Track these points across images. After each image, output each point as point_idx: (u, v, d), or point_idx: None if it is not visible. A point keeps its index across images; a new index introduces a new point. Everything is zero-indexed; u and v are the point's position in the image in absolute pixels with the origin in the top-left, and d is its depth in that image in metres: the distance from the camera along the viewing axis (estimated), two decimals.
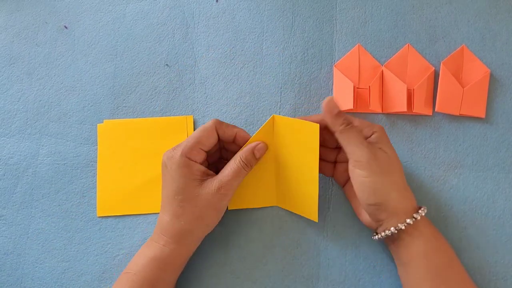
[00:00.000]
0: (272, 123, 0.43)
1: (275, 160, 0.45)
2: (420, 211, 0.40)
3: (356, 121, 0.42)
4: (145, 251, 0.43)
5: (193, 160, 0.42)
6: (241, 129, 0.44)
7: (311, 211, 0.45)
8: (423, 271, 0.40)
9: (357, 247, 0.47)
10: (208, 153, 0.44)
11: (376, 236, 0.42)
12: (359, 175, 0.40)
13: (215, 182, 0.42)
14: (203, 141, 0.42)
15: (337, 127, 0.41)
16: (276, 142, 0.44)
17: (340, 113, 0.41)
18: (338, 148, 0.45)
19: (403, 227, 0.40)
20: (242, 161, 0.42)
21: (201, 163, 0.42)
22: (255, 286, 0.47)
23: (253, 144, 0.43)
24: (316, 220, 0.45)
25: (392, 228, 0.40)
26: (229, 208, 0.48)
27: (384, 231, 0.41)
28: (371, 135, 0.41)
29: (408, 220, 0.40)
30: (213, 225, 0.43)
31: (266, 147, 0.44)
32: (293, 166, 0.44)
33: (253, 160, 0.43)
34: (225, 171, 0.42)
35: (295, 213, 0.47)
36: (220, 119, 0.48)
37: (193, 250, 0.44)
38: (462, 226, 0.47)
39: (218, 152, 0.46)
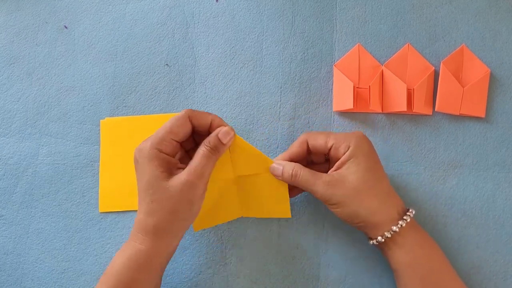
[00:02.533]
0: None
1: (233, 171, 0.44)
2: (404, 217, 0.40)
3: (331, 139, 0.42)
4: (122, 251, 0.40)
5: (163, 152, 0.39)
6: (216, 116, 0.42)
7: (283, 209, 0.45)
8: (407, 280, 0.41)
9: (357, 247, 0.47)
10: (183, 144, 0.42)
11: (370, 241, 0.43)
12: (331, 208, 0.42)
13: (184, 172, 0.39)
14: (175, 130, 0.40)
15: (288, 181, 0.43)
16: (233, 157, 0.43)
17: (283, 173, 0.42)
18: (328, 160, 0.45)
19: (383, 239, 0.40)
20: (208, 146, 0.40)
21: (174, 155, 0.41)
22: (255, 286, 0.47)
23: (217, 130, 0.41)
24: (290, 216, 0.45)
25: (374, 241, 0.41)
26: (194, 230, 0.46)
27: (370, 241, 0.42)
28: (347, 149, 0.41)
29: (386, 234, 0.40)
30: (189, 218, 0.41)
31: (232, 132, 0.41)
32: (254, 172, 0.44)
33: (220, 145, 0.41)
34: (193, 160, 0.40)
35: (296, 214, 0.47)
36: (220, 119, 0.48)
37: (172, 248, 0.41)
38: (462, 226, 0.47)
39: (192, 141, 0.44)
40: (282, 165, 0.43)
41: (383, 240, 0.40)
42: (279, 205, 0.45)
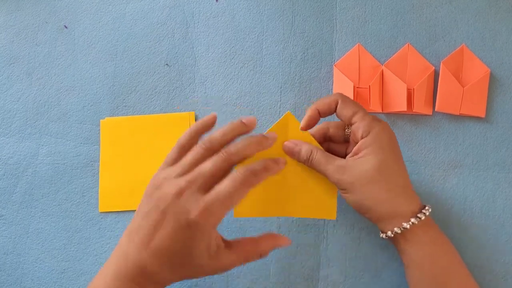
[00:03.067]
0: (287, 122, 0.42)
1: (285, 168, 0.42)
2: (418, 215, 0.39)
3: (358, 117, 0.40)
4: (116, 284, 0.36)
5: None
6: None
7: (328, 209, 0.43)
8: (418, 277, 0.40)
9: (357, 247, 0.47)
10: None
11: (381, 234, 0.41)
12: (341, 193, 0.41)
13: (225, 255, 0.38)
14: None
15: (303, 162, 0.41)
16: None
17: (300, 155, 0.41)
18: (347, 142, 0.44)
19: (393, 234, 0.40)
20: (260, 254, 0.39)
21: None
22: (255, 286, 0.47)
23: (280, 239, 0.40)
24: (334, 218, 0.43)
25: (383, 234, 0.40)
26: (234, 216, 0.44)
27: (381, 234, 0.41)
28: (366, 135, 0.40)
29: (396, 229, 0.39)
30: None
31: (289, 242, 0.41)
32: (300, 168, 0.42)
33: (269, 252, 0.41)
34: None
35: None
36: (220, 119, 0.48)
37: None
38: (462, 226, 0.47)
39: None
40: (299, 146, 0.41)
41: (392, 235, 0.40)
42: (326, 204, 0.43)
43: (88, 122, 0.51)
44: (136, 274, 0.37)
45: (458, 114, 0.48)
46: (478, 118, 0.49)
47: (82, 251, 0.49)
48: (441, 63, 0.49)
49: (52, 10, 0.54)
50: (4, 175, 0.51)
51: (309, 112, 0.42)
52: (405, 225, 0.39)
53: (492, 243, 0.46)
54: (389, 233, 0.40)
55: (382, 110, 0.49)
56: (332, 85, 0.50)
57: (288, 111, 0.43)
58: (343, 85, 0.49)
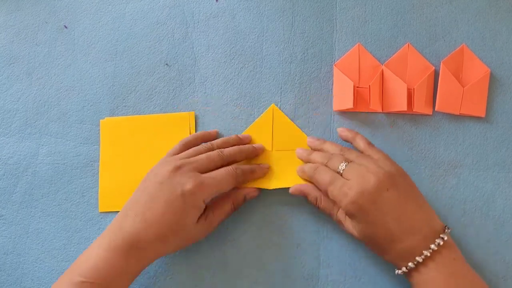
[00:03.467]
0: (272, 114, 0.49)
1: (273, 145, 0.49)
2: (417, 258, 0.39)
3: (329, 193, 0.42)
4: (107, 256, 0.39)
5: (205, 203, 0.42)
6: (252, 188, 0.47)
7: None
8: None
9: (357, 247, 0.47)
10: None
11: (397, 271, 0.41)
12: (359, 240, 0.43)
13: (208, 223, 0.43)
14: (224, 189, 0.44)
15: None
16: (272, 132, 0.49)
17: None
18: None
19: (407, 269, 0.40)
20: (234, 206, 0.45)
21: None
22: (255, 286, 0.47)
23: (246, 189, 0.46)
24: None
25: (403, 268, 0.40)
26: None
27: (398, 269, 0.41)
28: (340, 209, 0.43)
29: (398, 271, 0.40)
30: (184, 248, 0.44)
31: (257, 193, 0.47)
32: (291, 148, 0.48)
33: (242, 203, 0.46)
34: (216, 214, 0.44)
35: (296, 213, 0.47)
36: (220, 119, 0.50)
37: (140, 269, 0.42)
38: (462, 225, 0.47)
39: None
40: (307, 191, 0.46)
41: (401, 273, 0.40)
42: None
43: (88, 122, 0.51)
44: (130, 246, 0.39)
45: (458, 114, 0.48)
46: (478, 118, 0.49)
47: (82, 251, 0.49)
48: (441, 63, 0.49)
49: (52, 10, 0.54)
50: (4, 175, 0.51)
51: (296, 191, 0.46)
52: (400, 271, 0.40)
53: (492, 243, 0.46)
54: (400, 271, 0.41)
55: (382, 110, 0.49)
56: (332, 85, 0.50)
57: (273, 103, 0.50)
58: (343, 85, 0.49)
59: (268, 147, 0.49)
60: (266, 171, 0.47)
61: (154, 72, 0.52)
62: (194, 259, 0.47)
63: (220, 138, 0.48)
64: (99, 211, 0.49)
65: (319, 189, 0.44)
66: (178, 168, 0.42)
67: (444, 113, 0.49)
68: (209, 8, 0.53)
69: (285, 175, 0.48)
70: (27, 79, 0.53)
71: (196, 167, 0.42)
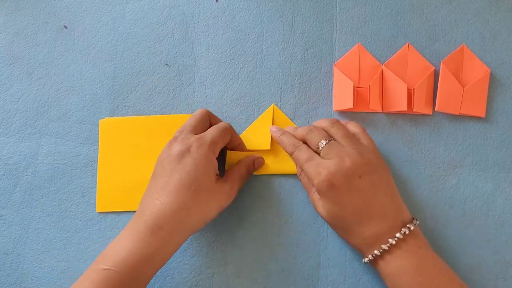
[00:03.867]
0: (272, 113, 0.50)
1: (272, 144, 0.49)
2: (382, 245, 0.39)
3: (301, 169, 0.43)
4: (129, 244, 0.39)
5: (214, 157, 0.43)
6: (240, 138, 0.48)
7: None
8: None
9: None
10: None
11: (364, 259, 0.42)
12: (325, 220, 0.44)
13: (228, 184, 0.44)
14: (224, 142, 0.45)
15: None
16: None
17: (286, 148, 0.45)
18: None
19: (367, 261, 0.41)
20: (247, 170, 0.47)
21: None
22: (255, 286, 0.47)
23: (254, 156, 0.48)
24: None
25: (369, 256, 0.41)
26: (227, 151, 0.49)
27: (365, 257, 0.41)
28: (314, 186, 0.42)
29: (365, 260, 0.41)
30: (209, 220, 0.43)
31: (263, 162, 0.49)
32: None
33: (252, 170, 0.48)
34: (234, 176, 0.45)
35: (296, 213, 0.48)
36: (219, 119, 0.49)
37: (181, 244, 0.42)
38: (462, 226, 0.47)
39: None
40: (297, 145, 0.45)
41: (367, 261, 0.41)
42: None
43: (88, 122, 0.51)
44: (152, 229, 0.39)
45: (458, 114, 0.48)
46: (478, 118, 0.49)
47: (82, 251, 0.49)
48: (441, 63, 0.49)
49: (52, 10, 0.54)
50: (4, 175, 0.51)
51: (276, 137, 0.47)
52: (367, 259, 0.41)
53: (492, 243, 0.46)
54: (364, 259, 0.41)
55: (382, 110, 0.49)
56: (332, 85, 0.50)
57: (273, 103, 0.50)
58: (343, 85, 0.49)
59: (268, 146, 0.49)
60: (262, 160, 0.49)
61: (154, 72, 0.52)
62: (194, 259, 0.47)
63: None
64: (97, 211, 0.49)
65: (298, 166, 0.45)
66: (175, 138, 0.43)
67: (444, 113, 0.49)
68: (209, 8, 0.53)
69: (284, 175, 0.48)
70: (27, 79, 0.53)
71: (190, 130, 0.44)
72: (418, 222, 0.41)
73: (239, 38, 0.52)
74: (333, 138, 0.43)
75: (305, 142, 0.44)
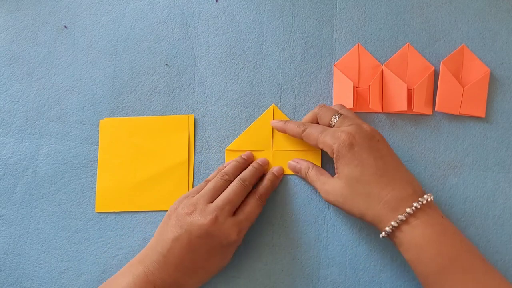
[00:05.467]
0: (272, 113, 0.50)
1: (272, 145, 0.49)
2: (399, 216, 0.39)
3: (320, 141, 0.43)
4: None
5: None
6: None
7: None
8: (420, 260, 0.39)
9: (357, 247, 0.47)
10: None
11: (382, 233, 0.41)
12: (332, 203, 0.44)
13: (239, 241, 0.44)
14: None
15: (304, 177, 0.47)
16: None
17: (297, 169, 0.47)
18: None
19: (386, 235, 0.40)
20: (261, 200, 0.46)
21: None
22: (255, 286, 0.47)
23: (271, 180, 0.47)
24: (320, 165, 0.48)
25: (382, 234, 0.40)
26: (226, 150, 0.49)
27: (383, 231, 0.40)
28: (332, 156, 0.42)
29: (390, 226, 0.39)
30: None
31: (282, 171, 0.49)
32: (290, 148, 0.49)
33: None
34: (246, 211, 0.44)
35: (296, 213, 0.48)
36: (220, 119, 0.50)
37: None
38: (462, 226, 0.47)
39: None
40: (300, 164, 0.47)
41: (385, 235, 0.40)
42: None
43: (88, 122, 0.51)
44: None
45: (458, 114, 0.48)
46: (478, 118, 0.49)
47: (82, 251, 0.49)
48: (441, 63, 0.49)
49: (52, 10, 0.54)
50: (4, 175, 0.51)
51: (278, 127, 0.48)
52: (387, 230, 0.39)
53: (492, 243, 0.46)
54: (382, 234, 0.40)
55: (382, 110, 0.49)
56: (332, 85, 0.50)
57: (273, 103, 0.50)
58: (343, 85, 0.49)
59: (268, 147, 0.49)
60: (281, 173, 0.48)
61: (154, 72, 0.52)
62: None
63: (230, 165, 0.47)
64: (96, 211, 0.49)
65: (310, 143, 0.44)
66: (215, 219, 0.41)
67: (444, 113, 0.49)
68: (209, 9, 0.53)
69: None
70: (27, 79, 0.53)
71: (229, 209, 0.43)
72: (431, 197, 0.40)
73: (239, 38, 0.52)
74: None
75: None
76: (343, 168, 0.41)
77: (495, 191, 0.47)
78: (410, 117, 0.49)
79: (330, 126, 0.44)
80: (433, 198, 0.47)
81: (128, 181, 0.49)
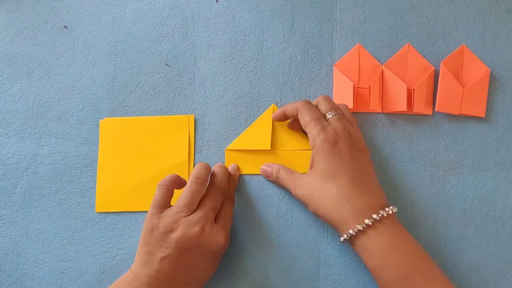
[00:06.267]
0: (271, 113, 0.49)
1: (272, 144, 0.49)
2: (357, 225, 0.39)
3: (309, 135, 0.43)
4: None
5: None
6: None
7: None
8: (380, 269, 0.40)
9: None
10: None
11: (341, 238, 0.41)
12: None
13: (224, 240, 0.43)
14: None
15: (274, 181, 0.48)
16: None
17: (268, 173, 0.48)
18: None
19: (343, 241, 0.40)
20: (232, 201, 0.47)
21: None
22: (255, 286, 0.47)
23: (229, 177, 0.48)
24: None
25: (342, 237, 0.41)
26: (226, 150, 0.50)
27: (343, 235, 0.41)
28: (313, 147, 0.43)
29: (344, 236, 0.40)
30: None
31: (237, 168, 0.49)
32: (291, 148, 0.49)
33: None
34: (225, 214, 0.45)
35: (296, 213, 0.48)
36: (220, 119, 0.50)
37: None
38: (462, 225, 0.47)
39: None
40: (271, 168, 0.47)
41: (347, 238, 0.40)
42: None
43: (88, 122, 0.51)
44: None
45: (458, 114, 0.48)
46: (478, 118, 0.49)
47: (82, 251, 0.49)
48: (441, 63, 0.49)
49: (52, 10, 0.54)
50: (4, 175, 0.51)
51: (277, 112, 0.48)
52: (345, 236, 0.40)
53: (492, 243, 0.46)
54: (342, 238, 0.41)
55: (382, 110, 0.49)
56: (332, 85, 0.50)
57: (273, 103, 0.50)
58: (343, 85, 0.49)
59: (267, 147, 0.49)
60: (236, 170, 0.49)
61: (154, 72, 0.52)
62: None
63: (198, 168, 0.44)
64: (96, 211, 0.49)
65: (300, 122, 0.45)
66: (202, 229, 0.41)
67: (444, 113, 0.49)
68: (209, 9, 0.53)
69: None
70: (27, 79, 0.53)
71: (213, 216, 0.43)
72: (396, 210, 0.41)
73: (239, 38, 0.52)
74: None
75: None
76: (320, 163, 0.42)
77: (495, 191, 0.47)
78: (410, 117, 0.49)
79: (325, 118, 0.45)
80: (433, 198, 0.48)
81: (128, 181, 0.49)
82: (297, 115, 0.45)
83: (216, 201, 0.44)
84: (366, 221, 0.39)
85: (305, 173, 0.44)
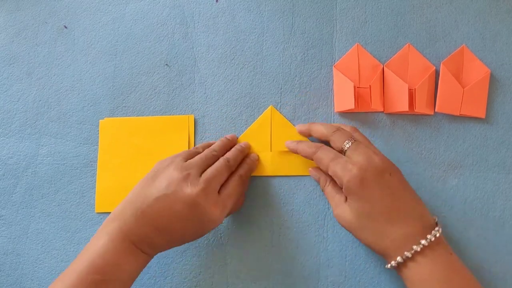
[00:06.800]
0: (270, 115, 0.50)
1: (271, 146, 0.49)
2: (405, 253, 0.38)
3: (331, 169, 0.42)
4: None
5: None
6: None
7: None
8: None
9: (357, 247, 0.47)
10: None
11: (388, 265, 0.41)
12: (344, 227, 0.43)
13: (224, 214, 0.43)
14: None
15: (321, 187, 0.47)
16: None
17: (320, 182, 0.46)
18: None
19: (402, 259, 0.39)
20: (242, 180, 0.45)
21: None
22: (255, 286, 0.47)
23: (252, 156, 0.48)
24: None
25: (392, 262, 0.39)
26: None
27: (389, 263, 0.40)
28: (342, 186, 0.41)
29: (395, 261, 0.39)
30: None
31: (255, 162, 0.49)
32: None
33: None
34: (229, 189, 0.44)
35: (296, 213, 0.48)
36: (220, 119, 0.50)
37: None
38: (462, 226, 0.47)
39: None
40: (320, 176, 0.47)
41: (391, 268, 0.40)
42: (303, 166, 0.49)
43: (88, 122, 0.51)
44: (145, 249, 0.41)
45: (458, 114, 0.48)
46: (478, 119, 0.49)
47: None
48: (441, 64, 0.49)
49: (52, 10, 0.54)
50: (4, 175, 0.51)
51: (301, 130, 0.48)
52: (389, 265, 0.40)
53: (492, 243, 0.46)
54: (387, 266, 0.40)
55: (383, 110, 0.49)
56: (332, 85, 0.50)
57: (271, 105, 0.50)
58: (343, 86, 0.49)
59: (266, 148, 0.49)
60: (256, 159, 0.49)
61: (154, 72, 0.52)
62: (194, 260, 0.47)
63: (217, 143, 0.47)
64: (96, 211, 0.49)
65: (321, 168, 0.43)
66: (204, 191, 0.40)
67: (444, 113, 0.49)
68: (209, 9, 0.53)
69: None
70: (27, 79, 0.53)
71: (215, 186, 0.42)
72: (441, 228, 0.40)
73: (239, 38, 0.52)
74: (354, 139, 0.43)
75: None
76: (352, 202, 0.41)
77: (495, 192, 0.47)
78: (410, 117, 0.49)
79: (342, 151, 0.42)
80: (433, 199, 0.47)
81: (128, 181, 0.49)
82: (311, 159, 0.45)
83: (221, 173, 0.43)
84: (406, 253, 0.38)
85: (343, 199, 0.42)
